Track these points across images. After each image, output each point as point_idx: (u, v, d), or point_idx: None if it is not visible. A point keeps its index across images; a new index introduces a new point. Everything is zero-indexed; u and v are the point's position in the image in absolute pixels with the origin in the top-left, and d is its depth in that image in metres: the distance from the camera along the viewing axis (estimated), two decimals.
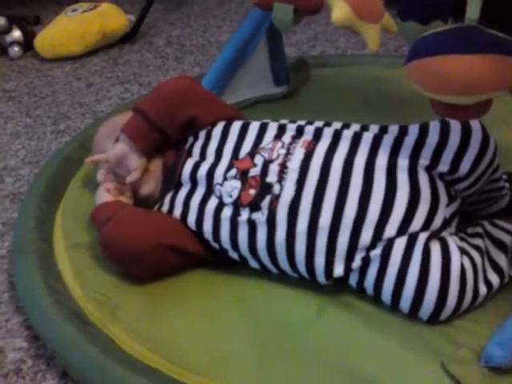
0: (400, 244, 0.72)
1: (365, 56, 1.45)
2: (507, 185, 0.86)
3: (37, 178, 1.02)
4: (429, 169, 0.75)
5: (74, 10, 1.60)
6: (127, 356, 0.70)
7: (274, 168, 0.78)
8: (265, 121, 0.85)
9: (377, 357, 0.69)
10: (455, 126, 0.76)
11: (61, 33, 1.54)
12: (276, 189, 0.77)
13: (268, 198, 0.77)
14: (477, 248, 0.75)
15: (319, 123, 0.83)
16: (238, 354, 0.70)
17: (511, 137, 0.95)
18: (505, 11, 0.85)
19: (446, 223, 0.75)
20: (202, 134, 0.86)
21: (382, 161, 0.76)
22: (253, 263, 0.80)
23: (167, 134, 0.87)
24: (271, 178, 0.77)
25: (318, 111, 0.97)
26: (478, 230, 0.79)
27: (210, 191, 0.81)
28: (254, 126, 0.84)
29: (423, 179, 0.75)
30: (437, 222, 0.74)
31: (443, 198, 0.75)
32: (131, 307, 0.77)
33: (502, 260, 0.75)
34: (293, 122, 0.85)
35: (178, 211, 0.82)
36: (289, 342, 0.72)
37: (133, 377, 0.66)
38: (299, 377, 0.68)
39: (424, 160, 0.75)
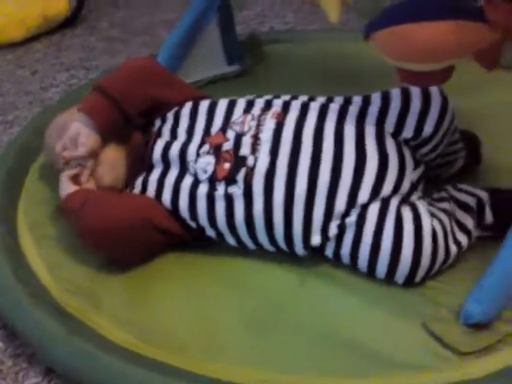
0: (373, 210, 0.74)
1: (314, 32, 1.46)
2: (462, 145, 0.89)
3: None
4: (394, 135, 0.77)
5: None
6: (114, 345, 0.68)
7: (246, 140, 0.78)
8: (232, 98, 0.85)
9: (361, 322, 0.71)
10: (415, 92, 0.78)
11: (0, 18, 1.48)
12: (250, 161, 0.77)
13: (243, 171, 0.77)
14: (444, 211, 0.77)
15: (286, 96, 0.83)
16: (228, 332, 0.71)
17: (469, 101, 0.98)
18: None
19: (413, 187, 0.77)
20: (170, 115, 0.85)
21: (350, 129, 0.77)
22: (230, 239, 0.80)
23: (127, 115, 0.84)
24: (244, 150, 0.78)
25: (274, 88, 0.96)
26: (443, 194, 0.81)
27: (183, 170, 0.80)
28: (223, 103, 0.84)
29: (390, 145, 0.77)
30: (405, 186, 0.76)
31: (409, 162, 0.77)
32: (112, 296, 0.76)
33: (468, 221, 0.78)
34: (259, 97, 0.85)
35: (151, 192, 0.81)
36: (275, 314, 0.73)
37: (122, 365, 0.66)
38: (290, 347, 0.69)
39: (389, 126, 0.77)
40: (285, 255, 0.79)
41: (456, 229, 0.76)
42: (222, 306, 0.74)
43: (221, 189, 0.77)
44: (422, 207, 0.75)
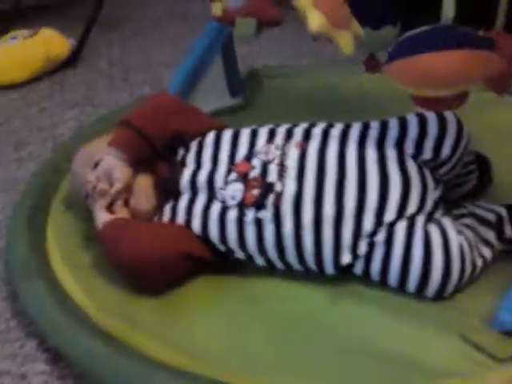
0: (401, 228, 0.79)
1: (307, 66, 1.52)
2: (475, 166, 0.95)
3: (19, 205, 1.01)
4: (414, 157, 0.82)
5: (13, 38, 1.58)
6: (159, 363, 0.71)
7: (272, 168, 0.83)
8: (253, 127, 0.90)
9: (398, 335, 0.75)
10: (432, 117, 0.83)
11: (5, 61, 1.52)
12: (278, 186, 0.82)
13: (272, 196, 0.81)
14: (467, 226, 0.83)
15: (305, 124, 0.89)
16: (264, 347, 0.74)
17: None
18: (476, 10, 0.94)
19: (436, 205, 0.82)
20: (194, 145, 0.90)
21: (371, 152, 0.82)
22: (259, 261, 0.84)
23: (154, 147, 0.89)
24: (271, 177, 0.82)
25: (276, 119, 1.02)
26: (463, 211, 0.87)
27: (211, 197, 0.84)
28: (245, 133, 0.89)
29: (411, 166, 0.82)
30: (428, 204, 0.81)
31: (430, 182, 0.83)
32: (149, 317, 0.79)
33: (490, 235, 0.83)
34: (278, 126, 0.90)
35: (181, 218, 0.85)
36: (306, 332, 0.76)
37: (171, 381, 0.69)
38: (327, 361, 0.72)
39: (408, 149, 0.82)
40: (313, 274, 0.83)
41: (480, 243, 0.81)
42: (253, 323, 0.78)
43: (250, 214, 0.82)
44: (448, 222, 0.80)
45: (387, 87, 1.27)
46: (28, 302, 0.83)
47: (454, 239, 0.78)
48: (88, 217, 0.95)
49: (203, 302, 0.81)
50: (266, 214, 0.81)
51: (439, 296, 0.78)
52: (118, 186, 0.86)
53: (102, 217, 0.86)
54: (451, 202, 0.90)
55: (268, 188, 0.82)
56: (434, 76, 0.75)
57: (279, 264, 0.84)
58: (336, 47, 1.52)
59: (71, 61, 1.62)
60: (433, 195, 0.82)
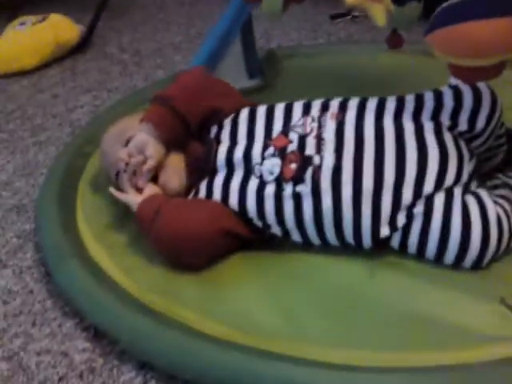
0: (439, 200, 0.78)
1: (324, 45, 1.53)
2: (505, 139, 0.95)
3: (45, 187, 1.01)
4: (450, 129, 0.82)
5: (22, 24, 1.56)
6: (206, 335, 0.71)
7: (310, 141, 0.82)
8: (288, 102, 0.89)
9: (437, 301, 0.75)
10: (466, 90, 0.82)
11: (14, 47, 1.50)
12: (316, 160, 0.81)
13: (310, 170, 0.80)
14: (502, 197, 0.82)
15: (339, 98, 0.87)
16: (310, 317, 0.74)
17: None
18: None
19: (471, 177, 0.82)
20: (228, 122, 0.89)
21: (408, 125, 0.81)
22: (296, 236, 0.83)
23: (188, 125, 0.88)
24: (309, 150, 0.81)
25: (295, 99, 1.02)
26: (497, 182, 0.87)
27: (248, 173, 0.84)
28: (280, 108, 0.88)
29: (447, 138, 0.81)
30: (465, 176, 0.81)
31: (466, 154, 0.82)
32: (192, 292, 0.78)
33: None
34: (312, 100, 0.88)
35: (217, 196, 0.84)
36: (350, 303, 0.76)
37: (218, 354, 0.69)
38: (368, 327, 0.72)
39: (444, 121, 0.82)
40: (349, 249, 0.83)
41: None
42: (295, 293, 0.78)
43: (288, 188, 0.81)
44: (484, 193, 0.80)
45: (404, 63, 1.31)
46: (64, 281, 0.82)
47: (492, 209, 0.78)
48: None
49: (244, 277, 0.81)
50: (305, 188, 0.80)
51: (477, 266, 0.78)
52: (150, 163, 0.85)
53: (133, 195, 0.85)
54: (484, 173, 0.89)
55: (306, 162, 0.81)
56: (477, 45, 0.74)
57: (316, 239, 0.83)
58: (350, 27, 1.51)
59: (81, 47, 1.61)
60: (468, 167, 0.82)
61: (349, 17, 1.73)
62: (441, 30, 0.76)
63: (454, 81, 0.86)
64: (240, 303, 0.77)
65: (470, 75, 0.79)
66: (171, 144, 0.88)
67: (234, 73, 1.31)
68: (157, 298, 0.77)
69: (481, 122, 0.81)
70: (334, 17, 1.74)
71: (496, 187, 0.85)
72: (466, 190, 0.80)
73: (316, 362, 0.68)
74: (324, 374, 0.66)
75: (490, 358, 0.66)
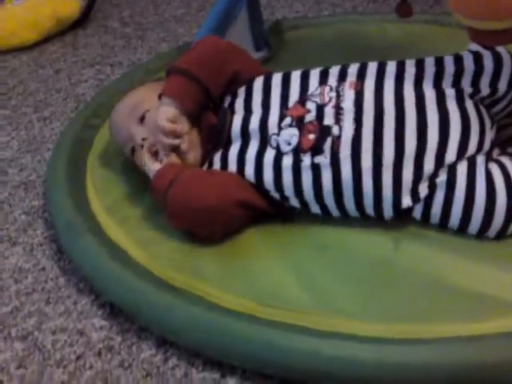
0: (462, 168, 0.76)
1: (328, 16, 1.49)
2: None
3: (52, 162, 0.97)
4: (472, 95, 0.79)
5: None
6: (229, 310, 0.69)
7: (329, 111, 0.79)
8: (304, 69, 0.86)
9: (467, 271, 0.73)
10: (487, 54, 0.80)
11: (11, 22, 1.45)
12: (335, 130, 0.78)
13: (329, 140, 0.78)
14: None
15: (356, 64, 0.84)
16: (334, 289, 0.72)
17: None
18: None
19: (493, 144, 0.80)
20: (242, 90, 0.86)
21: (429, 92, 0.79)
22: (314, 208, 0.81)
23: (211, 95, 0.84)
24: (328, 120, 0.79)
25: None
26: None
27: (264, 143, 0.81)
28: (296, 76, 0.85)
29: (469, 105, 0.79)
30: (487, 144, 0.79)
31: (487, 121, 0.80)
32: (211, 266, 0.76)
33: None
34: (329, 67, 0.85)
35: (232, 167, 0.82)
36: (376, 270, 0.74)
37: (243, 328, 0.66)
38: (400, 298, 0.70)
39: (465, 87, 0.79)
40: (368, 221, 0.80)
41: None
42: (319, 265, 0.75)
43: (307, 159, 0.78)
44: (507, 160, 0.77)
45: (412, 32, 1.28)
46: (78, 258, 0.80)
47: None
48: (127, 171, 0.92)
49: (265, 250, 0.78)
50: (324, 159, 0.78)
51: (501, 236, 0.76)
52: (186, 141, 0.82)
53: (150, 164, 0.83)
54: (505, 140, 0.87)
55: (325, 132, 0.78)
56: (494, 7, 0.72)
57: (335, 211, 0.81)
58: None
59: (81, 21, 1.56)
60: (490, 134, 0.80)
61: None
62: None
63: (474, 46, 0.83)
64: (263, 276, 0.74)
65: (490, 39, 0.76)
66: (194, 116, 0.85)
67: (240, 45, 1.28)
68: (176, 273, 0.74)
69: (503, 86, 0.79)
70: None
71: None
72: (488, 158, 0.78)
73: (343, 335, 0.66)
74: (351, 347, 0.65)
75: None
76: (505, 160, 0.78)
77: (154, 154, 0.84)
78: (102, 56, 1.42)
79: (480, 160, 0.77)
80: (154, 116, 0.83)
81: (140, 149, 0.85)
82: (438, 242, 0.77)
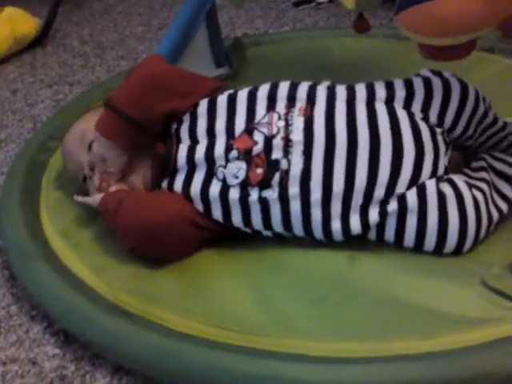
0: (412, 193, 0.75)
1: (289, 32, 1.50)
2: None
3: (6, 186, 0.95)
4: (424, 120, 0.78)
5: None
6: (184, 335, 0.68)
7: (277, 143, 0.77)
8: (250, 89, 0.83)
9: (419, 286, 0.73)
10: (436, 82, 0.80)
11: None
12: (284, 164, 0.76)
13: (277, 175, 0.76)
14: (483, 180, 0.80)
15: (305, 85, 0.82)
16: (291, 308, 0.71)
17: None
18: None
19: (446, 169, 0.79)
20: (187, 117, 0.82)
21: (383, 119, 0.77)
22: (266, 234, 0.80)
23: (145, 130, 0.81)
24: (276, 154, 0.76)
25: None
26: (481, 163, 0.83)
27: (210, 175, 0.78)
28: (242, 98, 0.81)
29: (425, 132, 0.77)
30: (440, 171, 0.78)
31: (442, 147, 0.78)
32: (165, 290, 0.75)
33: (506, 189, 0.80)
34: (276, 86, 0.82)
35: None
36: (332, 287, 0.74)
37: (197, 354, 0.65)
38: (354, 316, 0.70)
39: (416, 113, 0.78)
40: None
41: (496, 196, 0.79)
42: (276, 287, 0.75)
43: (254, 194, 0.77)
44: (459, 180, 0.77)
45: (371, 47, 1.30)
46: (31, 284, 0.78)
47: (468, 194, 0.75)
48: (82, 195, 0.90)
49: (221, 272, 0.77)
50: (272, 194, 0.76)
51: (458, 253, 0.76)
52: (113, 173, 0.82)
53: (99, 195, 0.82)
54: (470, 154, 0.87)
55: (273, 166, 0.76)
56: (445, 23, 0.73)
57: (288, 235, 0.80)
58: (315, 13, 1.48)
59: (40, 40, 1.55)
60: (444, 161, 0.79)
61: (313, 4, 1.70)
62: (408, 10, 0.74)
63: (424, 72, 0.84)
64: (220, 299, 0.73)
65: (440, 55, 0.77)
66: (133, 146, 0.82)
67: (200, 62, 1.27)
68: (130, 299, 0.73)
69: (450, 117, 0.79)
70: (297, 4, 1.71)
71: (480, 169, 0.82)
72: (439, 179, 0.77)
73: (302, 356, 0.65)
74: (311, 368, 0.64)
75: (477, 341, 0.65)
76: (456, 178, 0.78)
77: (104, 182, 0.83)
78: (61, 75, 1.40)
79: (430, 182, 0.76)
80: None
81: (89, 178, 0.84)
82: (393, 258, 0.77)
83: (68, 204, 0.90)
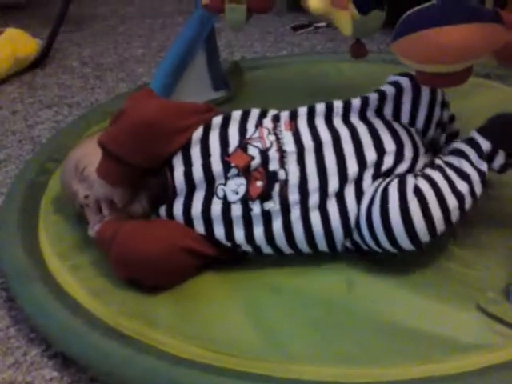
0: (393, 186, 0.76)
1: (288, 57, 1.52)
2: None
3: (5, 207, 0.96)
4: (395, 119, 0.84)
5: None
6: (182, 359, 0.68)
7: (273, 155, 0.80)
8: (242, 111, 0.86)
9: (415, 311, 0.73)
10: (407, 84, 0.85)
11: None
12: (281, 174, 0.79)
13: (277, 186, 0.78)
14: (437, 167, 0.80)
15: (286, 111, 0.87)
16: (288, 333, 0.72)
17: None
18: None
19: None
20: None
21: (361, 124, 0.82)
22: (267, 250, 0.81)
23: (146, 170, 0.82)
24: (274, 165, 0.79)
25: None
26: (435, 158, 0.84)
27: (210, 194, 0.80)
28: (234, 119, 0.84)
29: (401, 131, 0.82)
30: (420, 164, 0.82)
31: (421, 147, 0.83)
32: (164, 313, 0.75)
33: (464, 165, 0.79)
34: (264, 110, 0.87)
35: (180, 221, 0.81)
36: (331, 316, 0.74)
37: (195, 378, 0.65)
38: (351, 341, 0.70)
39: (388, 117, 0.84)
40: (322, 259, 0.81)
41: (455, 178, 0.78)
42: (273, 310, 0.75)
43: (256, 208, 0.78)
44: (409, 176, 0.78)
45: (368, 72, 1.31)
46: (29, 307, 0.78)
47: (411, 185, 0.75)
48: (81, 217, 0.91)
49: (219, 296, 0.78)
50: (273, 205, 0.78)
51: (418, 246, 0.75)
52: (118, 209, 0.83)
53: (96, 226, 0.83)
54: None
55: (272, 177, 0.79)
56: (442, 51, 0.74)
57: (288, 250, 0.81)
58: (313, 38, 1.49)
59: (40, 61, 1.57)
60: (423, 159, 0.82)
61: (311, 28, 1.73)
62: (406, 38, 0.76)
63: (392, 77, 0.89)
64: (216, 322, 0.74)
65: (437, 82, 0.79)
66: (135, 183, 0.83)
67: (199, 85, 1.29)
68: (128, 322, 0.73)
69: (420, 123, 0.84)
70: (296, 28, 1.73)
71: (433, 162, 0.83)
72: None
73: (298, 381, 0.65)
74: None
75: (473, 367, 0.65)
76: (408, 175, 0.78)
77: (99, 211, 0.84)
78: (60, 96, 1.41)
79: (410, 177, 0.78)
80: (92, 172, 0.83)
81: (85, 206, 0.85)
82: (390, 283, 0.78)
83: (67, 226, 0.91)
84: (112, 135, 0.82)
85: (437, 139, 0.89)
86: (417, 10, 0.77)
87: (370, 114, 0.84)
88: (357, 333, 0.72)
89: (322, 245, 0.80)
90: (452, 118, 0.92)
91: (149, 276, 0.78)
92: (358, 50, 1.15)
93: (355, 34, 1.09)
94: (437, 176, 0.78)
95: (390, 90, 0.85)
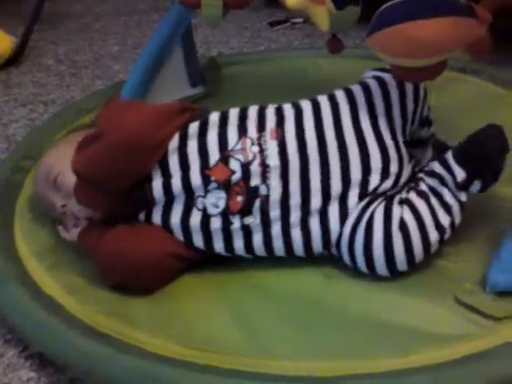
0: (380, 209, 0.76)
1: (265, 52, 1.52)
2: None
3: None
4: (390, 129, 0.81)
5: None
6: (162, 357, 0.67)
7: (255, 170, 0.77)
8: (220, 116, 0.82)
9: (393, 304, 0.74)
10: (391, 82, 0.83)
11: None
12: (263, 190, 0.77)
13: (258, 201, 0.77)
14: (421, 194, 0.78)
15: (271, 108, 0.83)
16: (268, 329, 0.72)
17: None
18: None
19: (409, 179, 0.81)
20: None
21: (349, 133, 0.79)
22: (247, 257, 0.80)
23: (120, 193, 0.80)
24: (255, 180, 0.77)
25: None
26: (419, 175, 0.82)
27: (189, 205, 0.78)
28: (212, 124, 0.81)
29: (388, 141, 0.80)
30: (401, 181, 0.80)
31: (405, 155, 0.81)
32: (143, 312, 0.75)
33: (445, 194, 0.78)
34: (243, 110, 0.83)
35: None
36: (310, 311, 0.74)
37: (177, 377, 0.65)
38: (329, 335, 0.71)
39: (381, 124, 0.81)
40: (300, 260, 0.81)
41: (438, 207, 0.77)
42: (255, 307, 0.75)
43: (236, 222, 0.77)
44: (396, 202, 0.77)
45: (345, 67, 1.31)
46: (5, 307, 0.77)
47: (397, 216, 0.75)
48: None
49: (198, 293, 0.78)
50: (254, 220, 0.77)
51: (394, 273, 0.76)
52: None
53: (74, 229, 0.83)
54: None
55: (253, 193, 0.77)
56: (417, 45, 0.74)
57: (269, 257, 0.80)
58: (290, 33, 1.49)
59: (15, 59, 1.54)
60: (408, 168, 0.81)
61: (288, 24, 1.72)
62: (381, 32, 0.76)
63: (374, 72, 0.88)
64: (196, 320, 0.73)
65: (412, 75, 0.79)
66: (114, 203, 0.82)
67: (176, 82, 1.28)
68: (107, 321, 0.73)
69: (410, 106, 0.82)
70: (272, 24, 1.73)
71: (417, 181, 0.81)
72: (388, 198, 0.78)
73: (281, 377, 0.65)
74: None
75: (451, 357, 0.66)
76: (395, 200, 0.77)
77: (76, 218, 0.83)
78: (35, 94, 1.40)
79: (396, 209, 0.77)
80: (66, 180, 0.82)
81: (63, 215, 0.84)
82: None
83: (43, 225, 0.90)
84: (90, 161, 0.78)
85: (417, 132, 0.88)
86: (391, 4, 0.78)
87: (362, 115, 0.80)
88: (336, 327, 0.72)
89: (300, 254, 0.79)
90: (429, 109, 0.91)
91: (137, 281, 0.77)
92: (335, 45, 1.15)
93: (331, 30, 1.10)
94: (421, 207, 0.77)
95: (374, 85, 0.83)
